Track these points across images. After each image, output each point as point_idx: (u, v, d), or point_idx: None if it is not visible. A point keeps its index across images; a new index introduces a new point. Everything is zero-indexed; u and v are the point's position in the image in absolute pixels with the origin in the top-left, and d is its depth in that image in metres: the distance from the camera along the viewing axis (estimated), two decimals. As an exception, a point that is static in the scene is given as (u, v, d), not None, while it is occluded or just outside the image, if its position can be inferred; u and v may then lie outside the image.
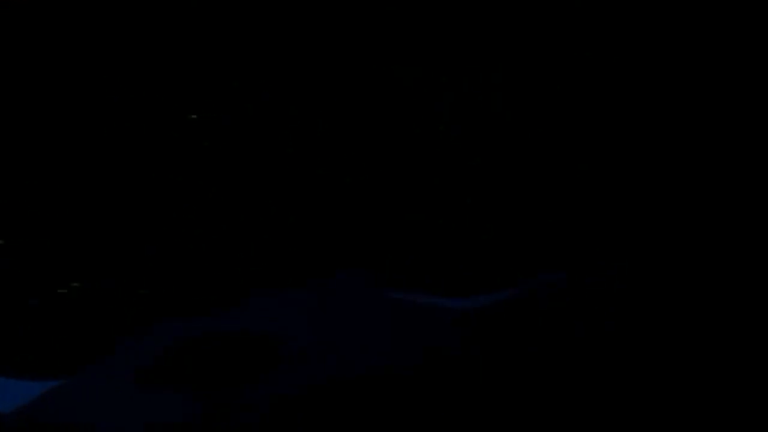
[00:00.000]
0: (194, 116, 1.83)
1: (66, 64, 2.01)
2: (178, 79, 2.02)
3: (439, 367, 1.70)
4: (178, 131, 2.05)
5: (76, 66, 2.02)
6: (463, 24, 1.96)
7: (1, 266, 1.89)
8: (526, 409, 1.62)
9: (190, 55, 2.01)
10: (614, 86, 1.97)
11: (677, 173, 1.97)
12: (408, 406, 1.61)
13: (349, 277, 1.92)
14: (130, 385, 1.59)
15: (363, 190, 2.06)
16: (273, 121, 2.01)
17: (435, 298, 1.86)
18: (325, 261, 1.98)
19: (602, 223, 1.98)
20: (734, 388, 1.65)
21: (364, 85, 1.98)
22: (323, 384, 1.62)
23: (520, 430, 1.58)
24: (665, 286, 1.82)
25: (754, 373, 1.67)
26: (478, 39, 1.96)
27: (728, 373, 1.68)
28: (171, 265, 1.95)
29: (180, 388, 1.59)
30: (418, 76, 1.97)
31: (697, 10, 1.94)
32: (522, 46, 1.96)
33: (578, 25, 1.94)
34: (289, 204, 2.07)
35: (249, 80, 1.98)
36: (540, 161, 2.03)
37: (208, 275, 1.96)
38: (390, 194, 2.05)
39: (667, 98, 1.98)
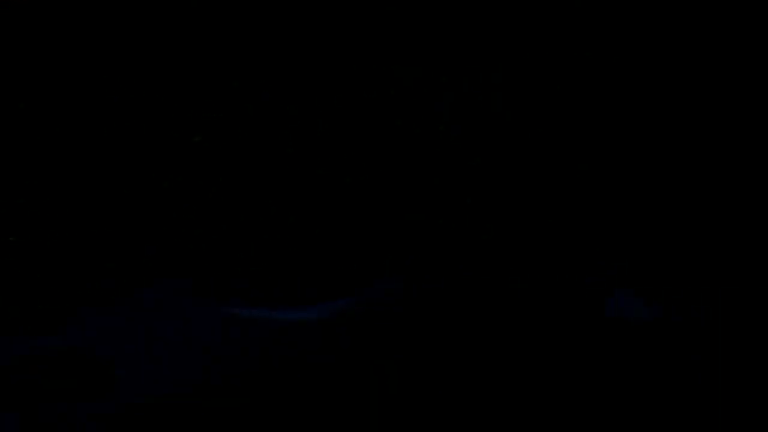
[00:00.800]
0: (197, 138, 1.84)
1: (66, 63, 2.01)
2: (178, 79, 2.02)
3: (274, 379, 1.72)
4: (178, 131, 2.05)
5: (76, 66, 2.02)
6: (463, 24, 1.96)
7: None
8: (363, 419, 1.65)
9: (191, 55, 2.00)
10: (614, 86, 1.97)
11: (709, 174, 1.95)
12: (241, 418, 1.63)
13: (177, 289, 1.91)
14: None
15: (357, 191, 2.05)
16: (273, 121, 2.01)
17: (268, 310, 1.86)
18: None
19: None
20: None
21: (364, 85, 1.98)
22: (151, 399, 1.62)
23: None
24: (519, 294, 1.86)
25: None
26: (478, 39, 1.96)
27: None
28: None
29: (2, 410, 1.58)
30: (418, 76, 1.96)
31: (697, 9, 1.94)
32: (522, 46, 1.96)
33: (578, 25, 1.94)
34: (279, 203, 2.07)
35: (249, 80, 1.98)
36: (540, 161, 2.03)
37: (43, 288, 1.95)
38: (382, 192, 2.05)
39: (667, 99, 1.98)
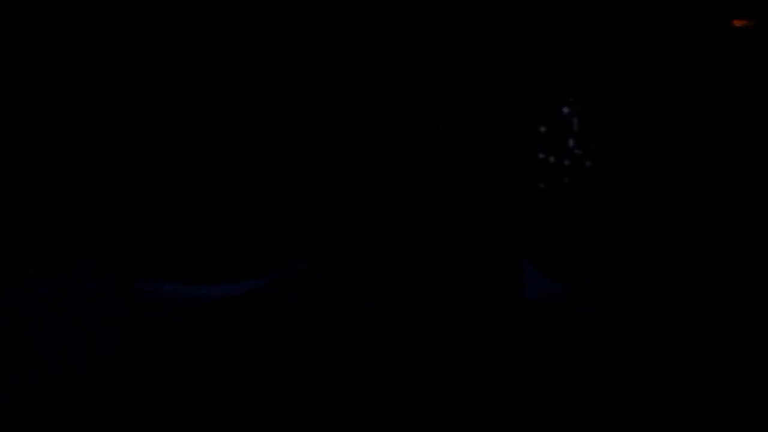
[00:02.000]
0: None
1: (68, 63, 2.01)
2: (178, 78, 2.02)
3: (191, 357, 1.74)
4: (176, 130, 2.05)
5: (78, 65, 2.02)
6: (463, 24, 1.96)
7: None
8: (276, 398, 1.68)
9: (191, 55, 2.01)
10: (614, 86, 1.98)
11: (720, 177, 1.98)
12: (157, 397, 1.65)
13: (94, 267, 1.94)
14: None
15: (354, 189, 2.06)
16: (273, 121, 2.01)
17: (187, 287, 1.90)
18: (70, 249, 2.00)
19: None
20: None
21: (364, 85, 1.98)
22: (62, 376, 1.65)
23: (269, 422, 1.63)
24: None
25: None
26: (478, 39, 1.96)
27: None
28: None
29: None
30: (418, 76, 1.97)
31: (698, 11, 1.94)
32: (522, 46, 1.96)
33: (578, 25, 1.94)
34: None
35: (249, 80, 1.98)
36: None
37: None
38: (384, 193, 2.05)
39: (666, 99, 1.98)
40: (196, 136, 1.97)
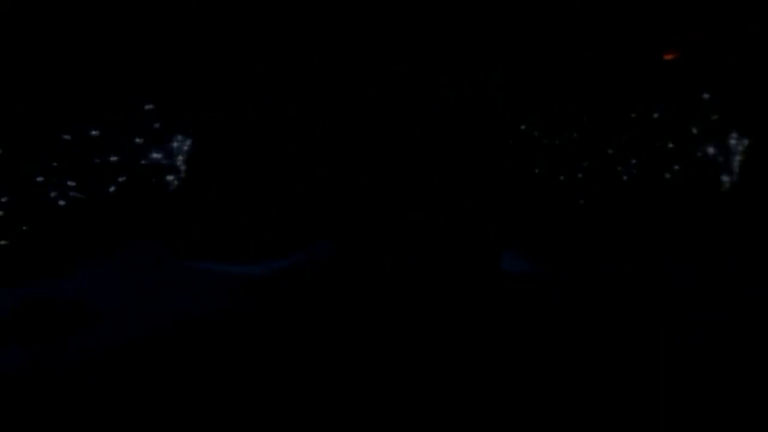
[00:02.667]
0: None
1: (68, 63, 2.02)
2: (179, 79, 2.02)
3: (229, 325, 1.92)
4: (177, 129, 2.05)
5: (82, 66, 2.02)
6: (463, 24, 1.96)
7: None
8: (310, 368, 1.83)
9: (191, 56, 2.01)
10: (614, 86, 1.98)
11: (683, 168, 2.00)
12: (196, 360, 1.77)
13: (148, 247, 2.23)
14: None
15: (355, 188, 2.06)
16: (273, 121, 2.01)
17: (229, 264, 2.18)
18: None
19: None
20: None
21: (364, 85, 1.99)
22: (128, 339, 1.79)
23: (298, 391, 1.75)
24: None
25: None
26: (478, 39, 1.96)
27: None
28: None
29: (12, 342, 1.83)
30: (418, 76, 1.97)
31: (698, 13, 1.94)
32: (522, 46, 1.96)
33: (578, 25, 1.95)
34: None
35: (249, 80, 1.98)
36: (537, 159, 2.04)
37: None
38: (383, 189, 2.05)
39: (663, 98, 1.99)
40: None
